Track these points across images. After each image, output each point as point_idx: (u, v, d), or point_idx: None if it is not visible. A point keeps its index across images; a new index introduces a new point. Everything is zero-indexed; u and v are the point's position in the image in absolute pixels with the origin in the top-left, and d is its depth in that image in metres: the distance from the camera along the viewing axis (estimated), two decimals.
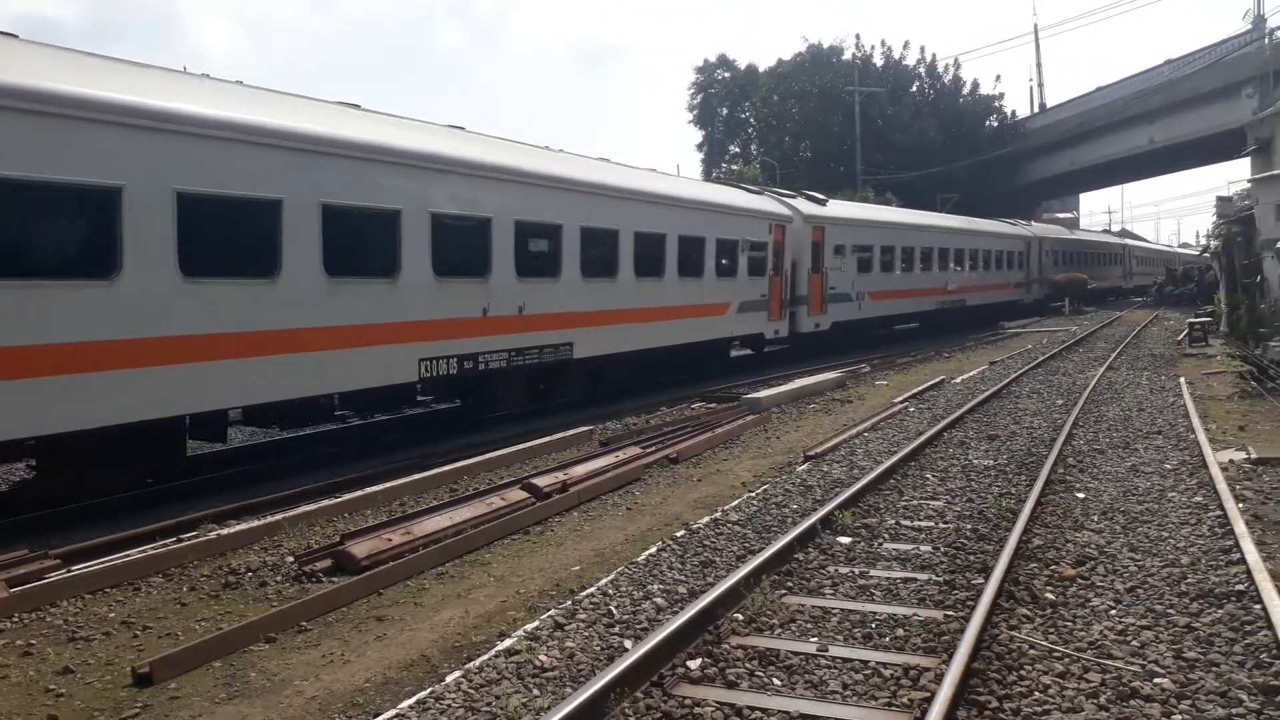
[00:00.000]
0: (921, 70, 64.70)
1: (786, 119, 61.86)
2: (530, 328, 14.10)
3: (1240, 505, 8.49)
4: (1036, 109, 73.16)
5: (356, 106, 12.58)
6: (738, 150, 68.70)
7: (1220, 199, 39.28)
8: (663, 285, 17.70)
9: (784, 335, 23.22)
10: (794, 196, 25.07)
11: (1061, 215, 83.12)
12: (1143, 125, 52.26)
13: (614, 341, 16.38)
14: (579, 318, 15.26)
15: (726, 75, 68.99)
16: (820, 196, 26.75)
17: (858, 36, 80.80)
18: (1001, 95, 67.16)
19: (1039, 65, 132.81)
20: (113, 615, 6.67)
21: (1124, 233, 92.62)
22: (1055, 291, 46.01)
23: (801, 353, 24.66)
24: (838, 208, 27.25)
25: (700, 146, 69.89)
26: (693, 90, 69.60)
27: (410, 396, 14.55)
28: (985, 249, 37.02)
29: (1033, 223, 45.92)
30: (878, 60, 62.95)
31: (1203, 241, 65.30)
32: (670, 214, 17.91)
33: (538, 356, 14.36)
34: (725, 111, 69.20)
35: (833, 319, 25.08)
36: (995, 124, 66.08)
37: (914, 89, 63.49)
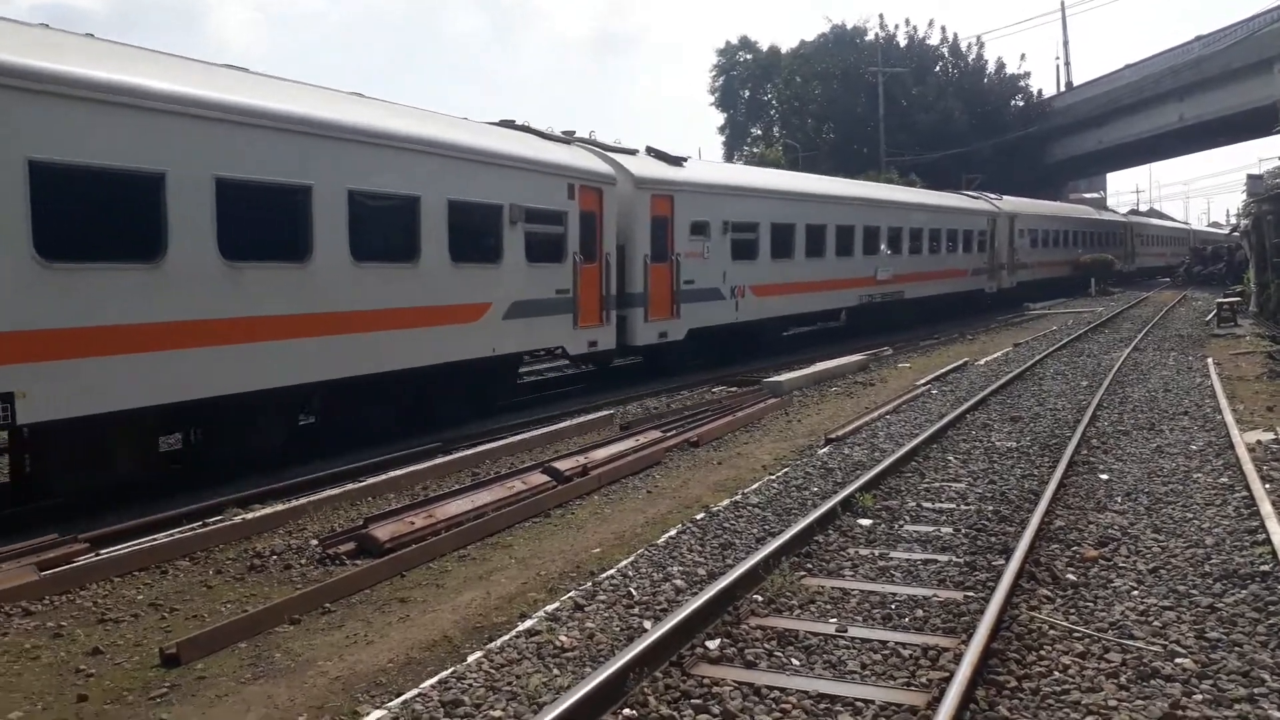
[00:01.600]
0: (945, 50, 64.20)
1: (809, 101, 61.53)
2: None
3: (1267, 486, 8.39)
4: (1063, 87, 72.31)
5: None
6: (760, 133, 68.26)
7: (1251, 177, 38.49)
8: (309, 275, 10.43)
9: (609, 348, 16.17)
10: (632, 154, 17.93)
11: (1088, 195, 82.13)
12: (1172, 103, 51.59)
13: (162, 383, 8.93)
14: (30, 342, 7.86)
15: (748, 57, 68.44)
16: (676, 156, 19.09)
17: (881, 16, 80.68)
18: (1027, 74, 67.20)
19: (1065, 43, 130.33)
20: (141, 598, 6.78)
21: (1151, 212, 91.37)
22: (1081, 274, 45.66)
23: (663, 369, 18.18)
24: (700, 170, 19.98)
25: (722, 129, 69.58)
26: (714, 73, 69.17)
27: None
28: (933, 227, 29.71)
29: (1003, 195, 38.68)
30: (901, 40, 62.47)
31: (1232, 220, 64.36)
32: (336, 153, 10.66)
33: None
34: (747, 94, 68.70)
35: (689, 325, 18.07)
36: (1021, 103, 65.48)
37: (938, 69, 63.02)
